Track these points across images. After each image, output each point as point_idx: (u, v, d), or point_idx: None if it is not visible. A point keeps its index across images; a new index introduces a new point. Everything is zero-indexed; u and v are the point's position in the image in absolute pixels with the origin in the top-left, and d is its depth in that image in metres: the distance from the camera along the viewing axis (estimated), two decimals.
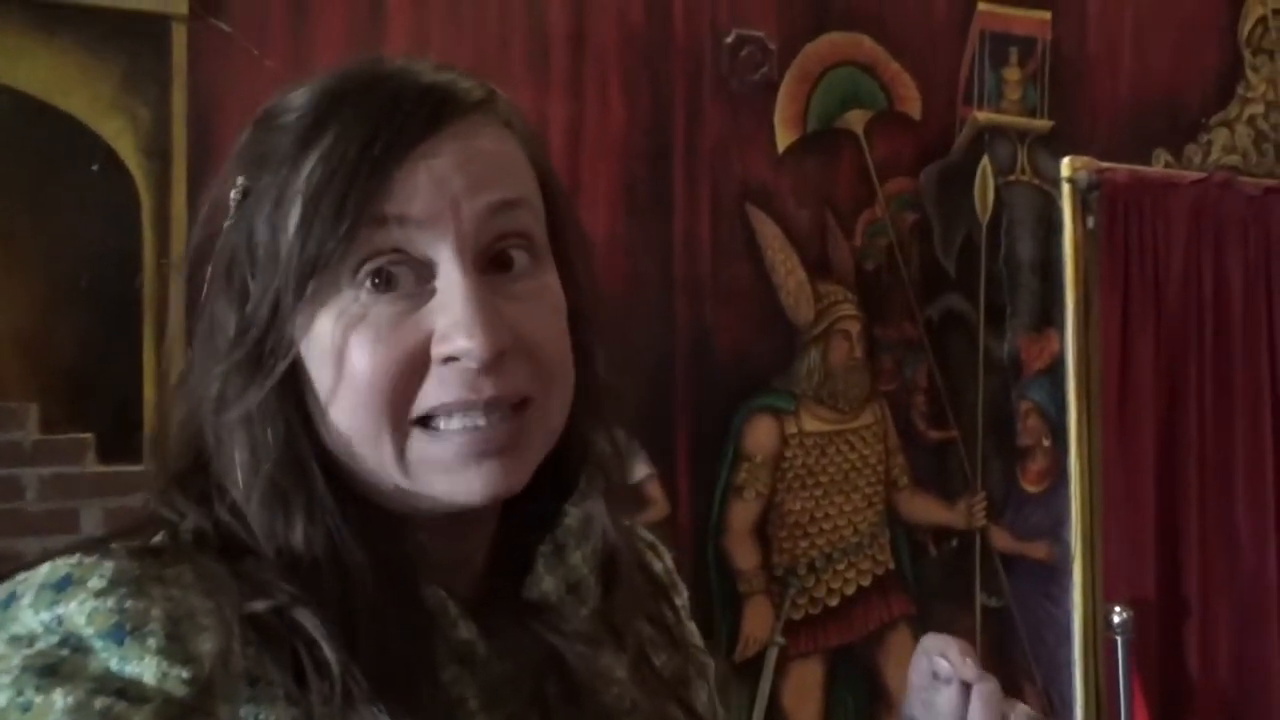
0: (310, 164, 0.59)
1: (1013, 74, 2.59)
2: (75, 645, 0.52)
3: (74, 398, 1.80)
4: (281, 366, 0.60)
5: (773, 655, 2.29)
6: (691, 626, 0.81)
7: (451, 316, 0.59)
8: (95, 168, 1.83)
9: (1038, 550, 2.58)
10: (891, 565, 2.43)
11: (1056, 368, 2.60)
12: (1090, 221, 2.58)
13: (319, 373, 0.60)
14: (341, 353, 0.59)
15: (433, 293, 0.60)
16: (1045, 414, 2.60)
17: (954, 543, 2.51)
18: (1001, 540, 2.55)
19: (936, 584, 2.48)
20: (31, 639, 0.52)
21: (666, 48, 2.26)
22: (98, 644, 0.52)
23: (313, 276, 0.58)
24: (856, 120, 2.43)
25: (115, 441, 1.80)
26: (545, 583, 0.66)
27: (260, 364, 0.60)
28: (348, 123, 0.59)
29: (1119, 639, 2.41)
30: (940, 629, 0.77)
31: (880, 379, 2.44)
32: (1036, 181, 2.61)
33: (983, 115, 2.56)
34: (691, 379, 2.25)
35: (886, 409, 2.44)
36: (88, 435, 1.80)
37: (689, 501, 2.24)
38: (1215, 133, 2.85)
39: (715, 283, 2.28)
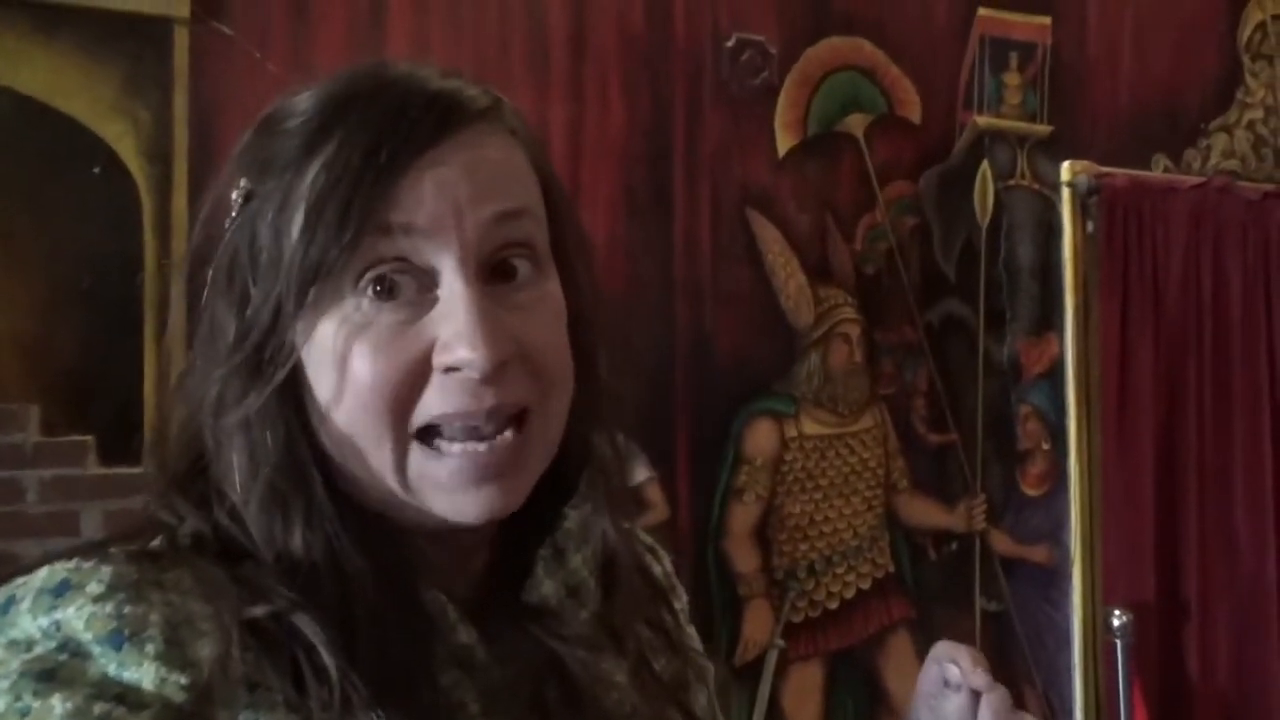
0: (314, 170, 0.59)
1: (1013, 79, 2.59)
2: (74, 650, 0.52)
3: (75, 400, 1.80)
4: (281, 373, 0.60)
5: (772, 658, 2.29)
6: (691, 630, 0.80)
7: (454, 327, 0.59)
8: (96, 170, 1.83)
9: (1037, 554, 2.58)
10: (891, 568, 2.43)
11: (1056, 371, 2.59)
12: (1090, 226, 2.57)
13: (320, 379, 0.60)
14: (343, 360, 0.59)
15: (435, 302, 0.60)
16: (1045, 418, 2.60)
17: (954, 546, 2.50)
18: (1001, 543, 2.55)
19: (936, 587, 2.47)
20: (30, 644, 0.52)
21: (667, 51, 2.26)
22: (96, 649, 0.52)
23: (315, 283, 0.58)
24: (857, 124, 2.43)
25: (116, 444, 1.79)
26: (545, 586, 0.66)
27: (260, 369, 0.60)
28: (353, 129, 0.59)
29: (1119, 642, 2.41)
30: (940, 632, 0.77)
31: (880, 382, 2.44)
32: (1036, 186, 2.61)
33: (983, 120, 2.56)
34: (691, 382, 2.25)
35: (886, 412, 2.44)
36: (88, 437, 1.80)
37: (689, 504, 2.24)
38: (1214, 138, 2.85)
39: (715, 286, 2.28)
